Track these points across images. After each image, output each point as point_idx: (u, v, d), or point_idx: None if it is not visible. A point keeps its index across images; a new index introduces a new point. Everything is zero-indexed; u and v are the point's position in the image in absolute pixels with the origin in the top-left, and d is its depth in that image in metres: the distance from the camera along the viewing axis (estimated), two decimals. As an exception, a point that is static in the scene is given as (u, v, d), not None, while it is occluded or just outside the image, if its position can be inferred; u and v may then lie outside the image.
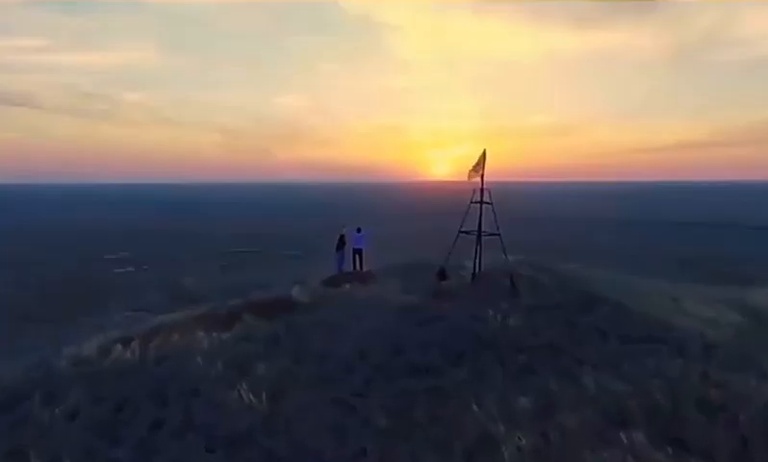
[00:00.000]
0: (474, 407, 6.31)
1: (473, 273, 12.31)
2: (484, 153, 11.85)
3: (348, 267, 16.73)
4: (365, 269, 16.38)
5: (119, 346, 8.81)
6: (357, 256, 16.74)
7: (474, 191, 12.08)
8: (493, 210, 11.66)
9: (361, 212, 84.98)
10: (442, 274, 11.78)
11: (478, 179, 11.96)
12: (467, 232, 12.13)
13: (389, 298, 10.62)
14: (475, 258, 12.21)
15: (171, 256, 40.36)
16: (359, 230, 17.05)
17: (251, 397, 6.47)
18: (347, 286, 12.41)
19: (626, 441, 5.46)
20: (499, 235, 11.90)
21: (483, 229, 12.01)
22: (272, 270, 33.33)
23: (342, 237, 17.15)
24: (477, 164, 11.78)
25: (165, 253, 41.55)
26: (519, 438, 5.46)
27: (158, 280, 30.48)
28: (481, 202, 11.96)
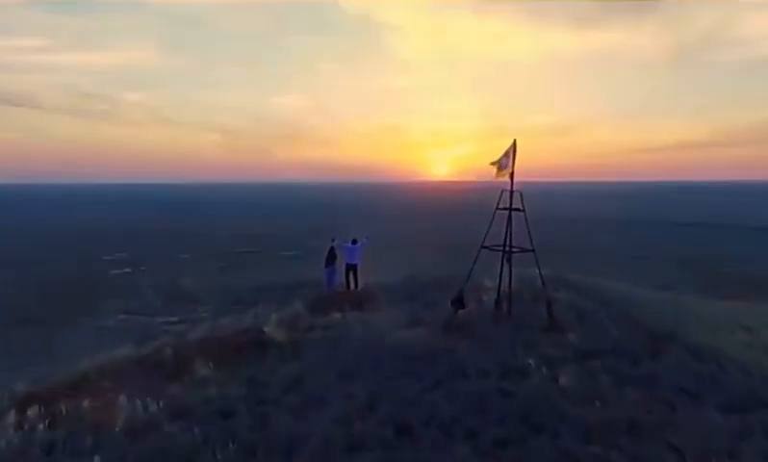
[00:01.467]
0: None
1: (498, 298, 9.43)
2: (514, 144, 8.85)
3: (340, 284, 13.60)
4: (360, 285, 13.32)
5: (12, 414, 5.95)
6: (351, 272, 13.47)
7: (502, 193, 9.12)
8: (525, 218, 8.76)
9: (361, 211, 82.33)
10: (459, 301, 8.89)
11: (507, 178, 9.00)
12: (491, 247, 9.17)
13: (390, 334, 7.73)
14: (501, 279, 9.30)
15: (170, 257, 38.05)
16: (354, 241, 13.70)
17: None
18: (338, 315, 9.43)
19: None
20: (533, 251, 9.01)
21: (508, 242, 9.07)
22: (272, 271, 31.04)
23: (332, 250, 13.80)
24: (505, 157, 8.85)
25: (164, 254, 39.22)
26: None
27: (156, 281, 28.23)
28: (510, 208, 9.06)
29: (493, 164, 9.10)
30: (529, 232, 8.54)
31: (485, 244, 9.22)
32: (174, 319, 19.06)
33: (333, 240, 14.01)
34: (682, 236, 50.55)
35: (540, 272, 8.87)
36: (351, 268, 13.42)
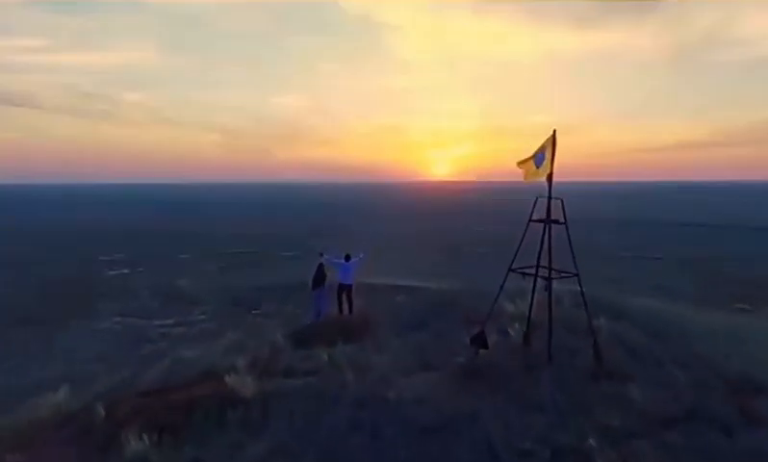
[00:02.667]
0: None
1: (527, 331, 7.40)
2: (554, 137, 6.79)
3: (330, 308, 11.20)
4: (355, 309, 10.97)
5: None
6: (345, 294, 10.95)
7: (537, 200, 7.03)
8: (567, 232, 6.77)
9: (361, 212, 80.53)
10: (480, 339, 6.98)
11: (543, 179, 6.94)
12: (522, 271, 7.10)
13: (392, 386, 5.75)
14: (531, 307, 7.30)
15: (169, 257, 36.46)
16: (348, 257, 11.12)
17: None
18: (325, 355, 7.22)
19: None
20: (577, 275, 6.97)
21: (547, 264, 6.98)
22: (272, 272, 29.54)
23: (320, 267, 11.11)
24: (540, 153, 6.83)
25: (162, 254, 37.65)
26: None
27: (154, 282, 26.75)
28: (549, 221, 6.92)
29: (521, 163, 6.99)
30: (572, 250, 6.53)
31: (514, 267, 7.10)
32: (171, 321, 18.31)
33: (321, 254, 11.44)
34: (683, 236, 48.94)
35: (585, 301, 6.83)
36: (345, 289, 10.96)
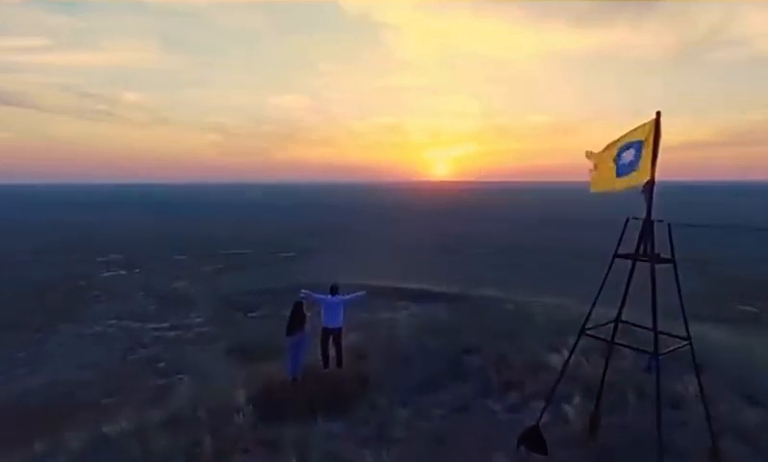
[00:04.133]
0: None
1: (595, 412, 5.34)
2: (658, 121, 4.33)
3: (304, 360, 8.21)
4: (344, 359, 8.33)
5: None
6: (331, 340, 8.28)
7: (627, 222, 4.84)
8: (675, 273, 4.69)
9: (360, 212, 79.65)
10: (534, 440, 5.01)
11: (638, 188, 4.61)
12: (601, 337, 5.05)
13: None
14: (603, 382, 5.23)
15: (166, 258, 35.78)
16: (334, 290, 8.41)
17: None
18: (294, 458, 5.04)
19: None
20: (689, 341, 4.70)
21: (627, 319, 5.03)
22: (270, 273, 28.97)
23: (298, 307, 8.17)
24: (631, 146, 4.44)
25: (159, 255, 37.04)
26: None
27: (150, 284, 26.27)
28: (652, 257, 4.68)
29: (594, 158, 4.69)
30: (682, 302, 4.60)
31: (587, 328, 4.98)
32: (166, 324, 18.02)
33: (301, 291, 8.61)
34: (684, 236, 48.12)
35: (700, 382, 4.77)
36: (331, 333, 8.25)
